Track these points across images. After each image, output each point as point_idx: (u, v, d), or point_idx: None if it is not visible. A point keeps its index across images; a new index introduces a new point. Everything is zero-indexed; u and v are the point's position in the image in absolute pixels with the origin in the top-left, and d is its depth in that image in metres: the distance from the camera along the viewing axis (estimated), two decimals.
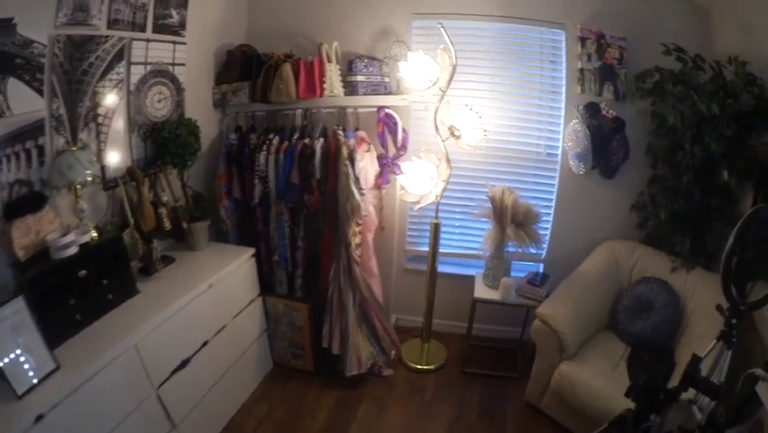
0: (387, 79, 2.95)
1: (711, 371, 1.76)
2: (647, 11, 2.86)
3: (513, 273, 3.09)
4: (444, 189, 2.78)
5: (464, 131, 2.72)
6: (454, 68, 2.62)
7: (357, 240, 2.73)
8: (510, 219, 2.87)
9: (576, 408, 2.49)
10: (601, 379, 2.45)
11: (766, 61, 2.49)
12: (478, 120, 2.72)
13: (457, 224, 3.35)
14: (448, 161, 2.73)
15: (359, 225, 2.71)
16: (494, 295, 2.96)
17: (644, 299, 2.77)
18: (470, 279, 3.19)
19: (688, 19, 2.82)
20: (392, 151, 2.96)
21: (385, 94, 2.92)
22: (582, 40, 2.94)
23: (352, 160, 2.63)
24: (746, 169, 2.55)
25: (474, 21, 2.99)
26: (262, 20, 3.16)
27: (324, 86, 2.80)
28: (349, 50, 2.99)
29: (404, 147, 2.96)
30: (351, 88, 2.89)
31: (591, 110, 2.95)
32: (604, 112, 2.95)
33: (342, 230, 2.70)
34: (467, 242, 3.40)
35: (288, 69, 2.80)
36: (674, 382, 1.73)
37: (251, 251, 2.74)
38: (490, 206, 2.95)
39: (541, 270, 3.31)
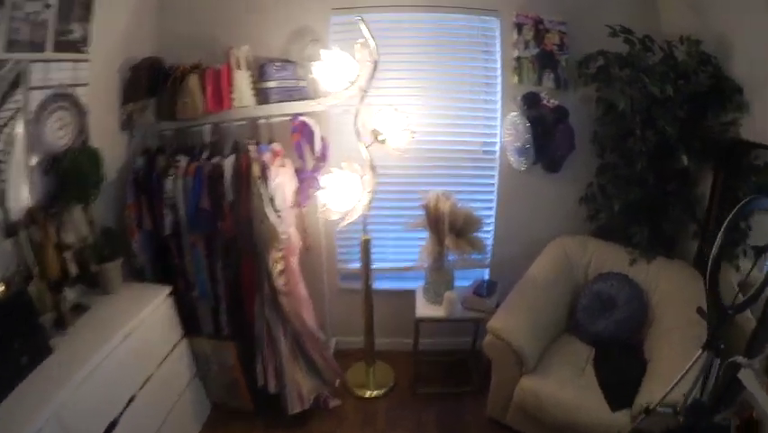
0: (302, 84, 2.67)
1: (699, 384, 1.66)
2: None
3: (457, 282, 2.85)
4: (372, 201, 2.52)
5: (390, 134, 2.47)
6: (376, 64, 2.36)
7: (280, 267, 2.46)
8: (448, 228, 2.62)
9: (545, 421, 2.31)
10: (569, 389, 2.30)
11: (720, 39, 2.40)
12: (404, 121, 2.47)
13: (391, 236, 3.09)
14: (373, 168, 2.47)
15: (280, 250, 2.44)
16: (438, 311, 2.73)
17: (604, 297, 2.63)
18: (411, 293, 2.95)
19: None
20: (311, 163, 2.68)
21: (301, 99, 2.64)
22: (518, 26, 2.73)
23: (265, 178, 2.36)
24: (703, 150, 2.46)
25: (398, 12, 2.74)
26: (172, 27, 2.84)
27: (233, 96, 2.52)
28: (262, 54, 2.70)
29: (323, 157, 2.68)
30: (262, 96, 2.58)
31: (530, 100, 2.73)
32: (545, 102, 2.73)
33: (262, 258, 2.43)
34: (404, 254, 3.13)
35: (194, 80, 2.52)
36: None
37: (168, 289, 2.45)
38: (425, 214, 2.70)
39: (486, 276, 3.09)
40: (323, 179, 2.46)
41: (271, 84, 2.57)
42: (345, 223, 2.49)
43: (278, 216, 2.40)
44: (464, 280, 2.96)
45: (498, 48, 2.77)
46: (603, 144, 2.79)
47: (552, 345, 2.56)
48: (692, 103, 2.39)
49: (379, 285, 2.96)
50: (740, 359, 1.56)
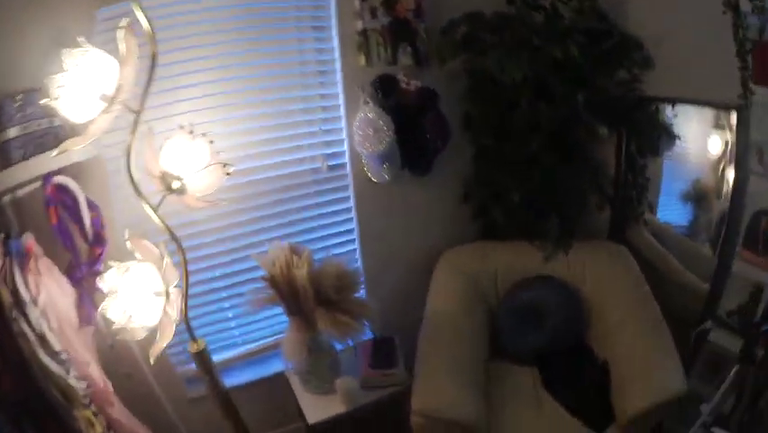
0: (58, 121, 1.64)
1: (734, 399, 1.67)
2: None
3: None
4: (187, 295, 1.60)
5: (189, 175, 1.55)
6: (154, 59, 1.43)
7: (99, 428, 1.56)
8: (314, 301, 1.82)
9: None
10: (540, 428, 1.88)
11: None
12: (209, 149, 1.57)
13: (230, 315, 2.26)
14: (176, 241, 1.57)
15: (87, 406, 1.55)
16: (333, 405, 1.94)
17: (528, 307, 2.18)
18: (282, 377, 2.18)
19: None
20: (84, 249, 1.73)
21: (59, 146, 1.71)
22: None
23: (20, 305, 1.43)
24: (605, 114, 2.10)
25: None
26: None
27: None
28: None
29: (99, 239, 1.74)
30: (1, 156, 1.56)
31: (385, 85, 2.06)
32: (404, 85, 2.06)
33: (69, 425, 1.50)
34: (256, 331, 2.36)
35: None
36: None
37: None
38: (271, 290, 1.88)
39: (370, 334, 2.21)
40: (103, 281, 1.43)
41: (12, 132, 1.53)
42: (160, 346, 1.48)
43: (62, 362, 1.50)
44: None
45: (333, 21, 2.05)
46: (479, 128, 2.22)
47: (488, 386, 2.01)
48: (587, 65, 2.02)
49: (236, 379, 2.23)
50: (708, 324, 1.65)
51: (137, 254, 1.46)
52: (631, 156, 2.33)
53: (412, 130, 2.06)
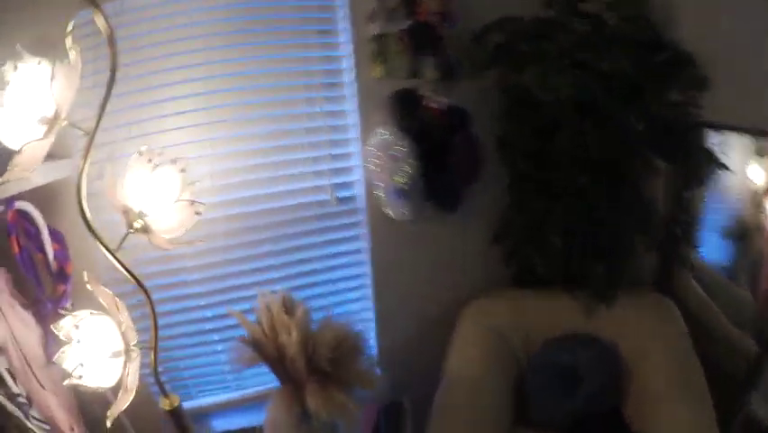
0: None
1: None
2: None
3: None
4: (157, 349, 1.27)
5: (153, 212, 1.21)
6: (114, 70, 1.11)
7: None
8: (306, 370, 1.47)
9: None
10: None
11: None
12: (180, 179, 1.25)
13: (223, 358, 1.93)
14: (144, 290, 1.23)
15: None
16: None
17: (561, 370, 1.85)
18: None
19: None
20: (49, 285, 1.48)
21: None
22: None
23: None
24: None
25: None
26: None
27: None
28: None
29: (62, 275, 1.47)
30: None
31: (406, 103, 1.71)
32: (428, 102, 1.70)
33: None
34: (252, 378, 2.00)
35: None
36: None
37: None
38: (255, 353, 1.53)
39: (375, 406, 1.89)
40: (56, 328, 1.13)
41: None
42: (118, 408, 1.17)
43: (20, 405, 1.23)
44: None
45: (344, 23, 1.71)
46: (515, 155, 1.86)
47: None
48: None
49: (229, 424, 1.91)
50: None
51: (101, 300, 1.17)
52: (678, 190, 2.03)
53: (438, 157, 1.70)
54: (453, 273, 1.97)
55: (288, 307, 1.55)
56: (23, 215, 1.42)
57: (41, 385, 1.34)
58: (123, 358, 1.13)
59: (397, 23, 1.70)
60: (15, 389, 1.29)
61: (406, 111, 1.69)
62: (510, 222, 1.91)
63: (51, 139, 1.05)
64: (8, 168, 1.00)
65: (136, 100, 1.58)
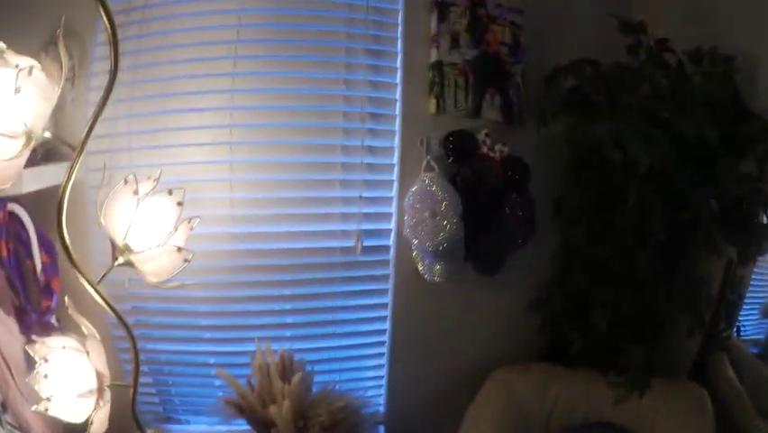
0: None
1: None
2: None
3: None
4: (136, 390, 1.13)
5: (137, 248, 0.99)
6: (114, 71, 0.87)
7: None
8: None
9: None
10: None
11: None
12: (174, 214, 1.01)
13: (220, 394, 1.65)
14: (126, 327, 1.03)
15: None
16: None
17: None
18: None
19: None
20: (36, 295, 1.32)
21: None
22: (442, 6, 1.45)
23: None
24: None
25: None
26: None
27: None
28: None
29: (47, 291, 1.31)
30: None
31: (460, 147, 1.46)
32: (486, 149, 1.46)
33: None
34: None
35: None
36: None
37: None
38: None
39: None
40: (31, 350, 1.01)
41: None
42: None
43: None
44: None
45: (398, 45, 1.45)
46: (569, 221, 1.62)
47: None
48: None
49: None
50: None
51: (83, 327, 1.03)
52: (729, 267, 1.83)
53: (487, 215, 1.46)
54: (481, 338, 1.73)
55: (287, 368, 1.37)
56: (14, 217, 1.28)
57: (20, 391, 1.25)
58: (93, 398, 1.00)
59: (461, 53, 1.45)
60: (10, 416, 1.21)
61: (460, 157, 1.45)
62: (552, 293, 1.69)
63: (24, 156, 0.86)
64: None
65: (151, 108, 1.40)
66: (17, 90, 0.79)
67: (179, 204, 1.01)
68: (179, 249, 0.99)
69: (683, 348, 1.87)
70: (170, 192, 1.00)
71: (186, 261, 1.01)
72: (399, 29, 1.47)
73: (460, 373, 1.72)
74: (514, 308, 1.69)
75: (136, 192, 0.97)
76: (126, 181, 0.98)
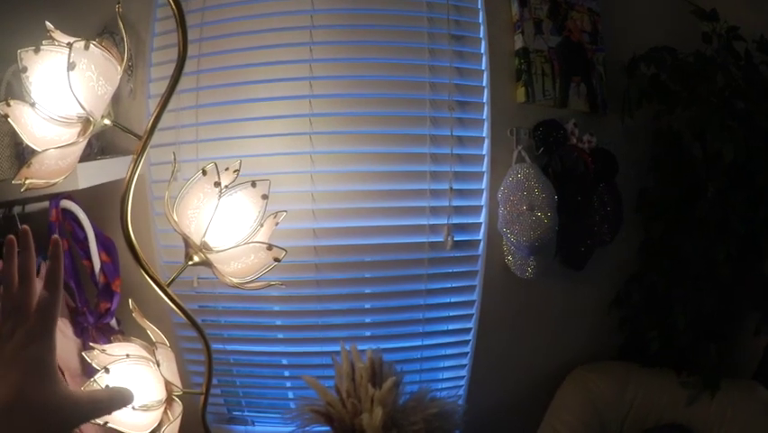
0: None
1: None
2: None
3: None
4: (207, 400, 1.02)
5: (218, 247, 0.89)
6: (183, 56, 0.80)
7: None
8: None
9: None
10: None
11: None
12: (259, 210, 0.92)
13: (290, 394, 1.59)
14: (200, 331, 0.94)
15: None
16: None
17: None
18: None
19: None
20: (92, 299, 1.26)
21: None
22: None
23: None
24: None
25: None
26: None
27: None
28: None
29: (107, 293, 1.23)
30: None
31: (550, 138, 1.39)
32: (575, 140, 1.39)
33: None
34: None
35: None
36: None
37: None
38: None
39: None
40: (90, 357, 0.91)
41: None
42: None
43: None
44: None
45: (480, 30, 1.38)
46: (652, 214, 1.56)
47: None
48: None
49: None
50: None
51: (150, 333, 0.95)
52: None
53: (577, 207, 1.39)
54: (560, 336, 1.65)
55: (377, 372, 1.27)
56: (69, 215, 1.23)
57: None
58: (159, 411, 0.91)
59: (546, 39, 1.39)
60: None
61: (550, 147, 1.38)
62: (631, 290, 1.63)
63: (80, 146, 0.78)
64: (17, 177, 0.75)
65: (224, 97, 1.33)
66: (71, 66, 0.70)
67: (264, 197, 0.93)
68: (270, 247, 0.89)
69: (750, 348, 1.83)
70: (254, 184, 0.92)
71: (276, 260, 0.91)
72: (481, 14, 1.40)
73: (538, 372, 1.66)
74: (594, 305, 1.64)
75: (217, 184, 0.87)
76: (205, 172, 0.89)
